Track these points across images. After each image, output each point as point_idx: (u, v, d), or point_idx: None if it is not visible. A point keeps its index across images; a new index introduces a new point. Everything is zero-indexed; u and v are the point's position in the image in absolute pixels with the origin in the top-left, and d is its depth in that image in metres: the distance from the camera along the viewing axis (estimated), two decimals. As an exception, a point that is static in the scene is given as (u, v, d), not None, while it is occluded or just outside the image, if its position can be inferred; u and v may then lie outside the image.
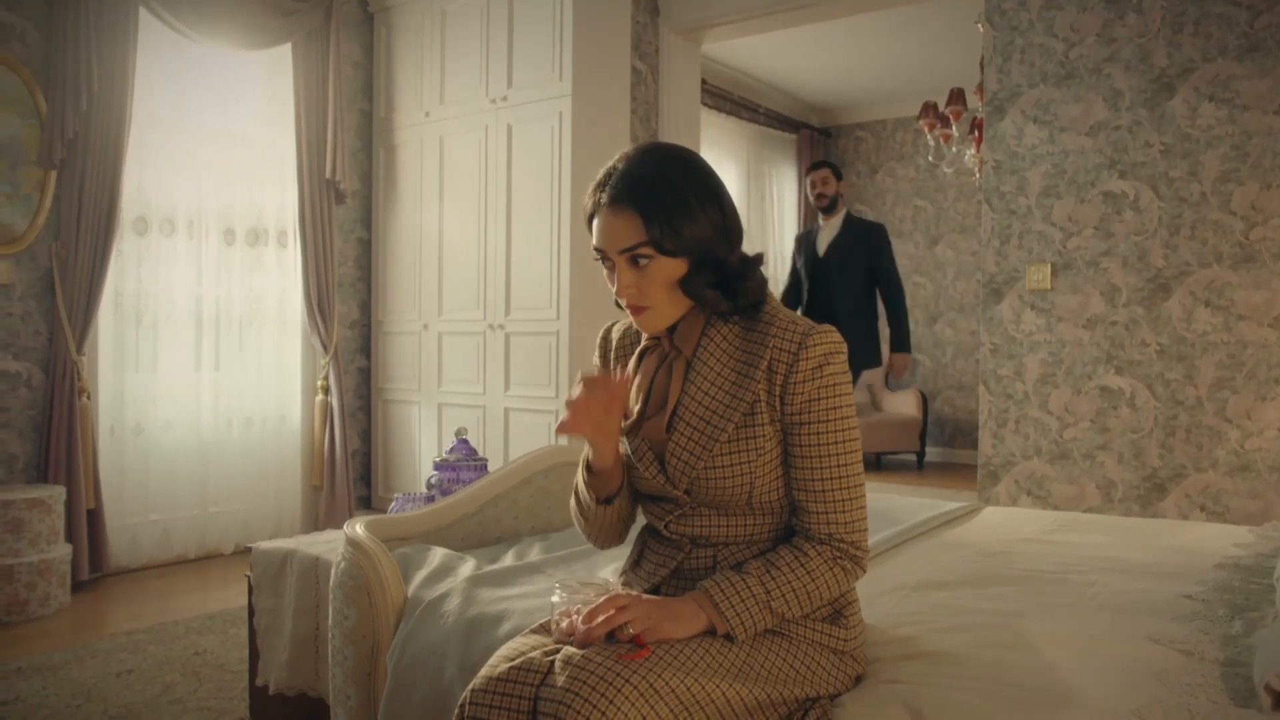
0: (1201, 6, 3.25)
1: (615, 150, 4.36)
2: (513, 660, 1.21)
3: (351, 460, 4.80)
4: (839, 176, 4.64)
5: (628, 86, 4.51)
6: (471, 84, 4.51)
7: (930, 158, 6.40)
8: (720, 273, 1.30)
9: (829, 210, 4.63)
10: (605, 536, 1.50)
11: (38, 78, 3.69)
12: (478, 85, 4.48)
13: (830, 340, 1.28)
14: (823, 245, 4.63)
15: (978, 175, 5.91)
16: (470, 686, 1.20)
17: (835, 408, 1.28)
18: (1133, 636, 1.52)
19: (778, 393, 1.29)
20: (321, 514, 4.65)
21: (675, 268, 1.28)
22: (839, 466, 1.28)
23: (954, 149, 5.88)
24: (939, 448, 7.73)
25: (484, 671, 1.21)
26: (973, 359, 7.85)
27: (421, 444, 4.74)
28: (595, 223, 1.31)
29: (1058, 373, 3.53)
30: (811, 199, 4.68)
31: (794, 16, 4.58)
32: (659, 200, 1.25)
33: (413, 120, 4.76)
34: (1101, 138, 3.43)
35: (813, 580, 1.26)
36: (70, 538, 3.67)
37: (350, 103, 4.85)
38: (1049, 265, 3.54)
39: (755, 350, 1.31)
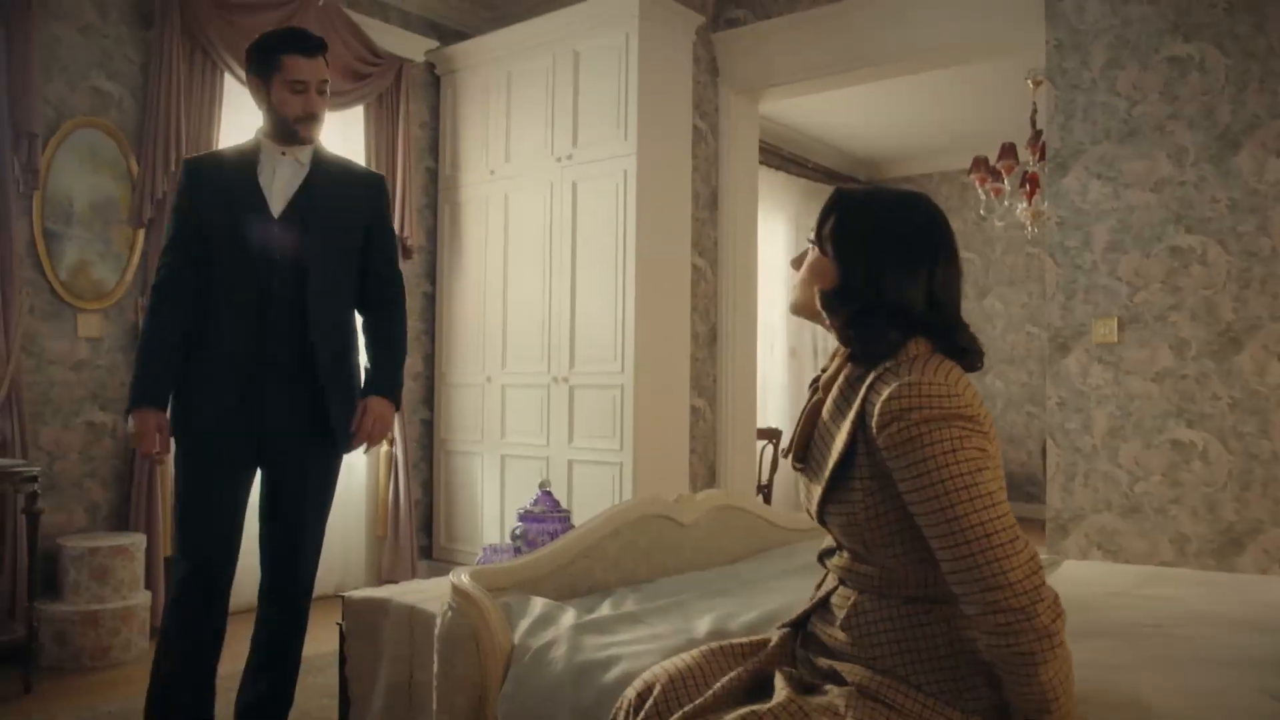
0: (1265, 65, 3.30)
1: (678, 206, 4.51)
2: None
3: (414, 510, 4.86)
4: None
5: (689, 144, 4.62)
6: (536, 143, 4.64)
7: (981, 211, 6.45)
8: (862, 307, 1.34)
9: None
10: None
11: (131, 141, 3.87)
12: (543, 144, 4.62)
13: (914, 391, 1.23)
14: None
15: (1029, 228, 5.95)
16: None
17: (928, 458, 1.21)
18: (1245, 690, 1.52)
19: (873, 445, 1.28)
20: (385, 563, 4.71)
21: (826, 269, 1.38)
22: (951, 520, 1.19)
23: (1005, 203, 5.92)
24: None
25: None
26: (1023, 411, 7.81)
27: (484, 495, 4.80)
28: None
29: (1126, 426, 3.53)
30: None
31: (847, 78, 4.68)
32: (853, 214, 1.38)
33: (478, 178, 4.90)
34: (1167, 193, 3.47)
35: (1003, 656, 1.19)
36: (149, 584, 3.75)
37: (417, 161, 5.00)
38: (1115, 319, 3.56)
39: (851, 395, 1.35)
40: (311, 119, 2.34)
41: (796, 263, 1.45)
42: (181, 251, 2.33)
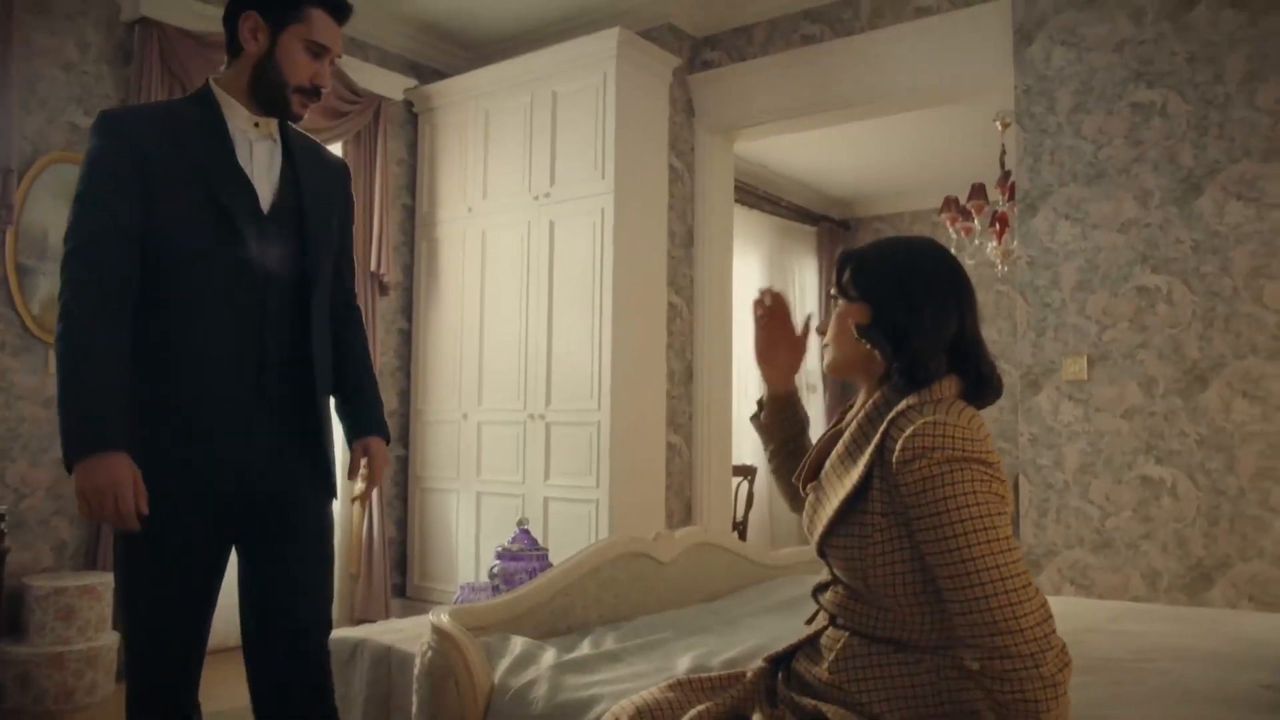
0: (1224, 112, 3.40)
1: (654, 244, 4.55)
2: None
3: (388, 548, 4.82)
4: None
5: (665, 183, 4.68)
6: (514, 181, 4.68)
7: (952, 250, 6.55)
8: (907, 330, 1.36)
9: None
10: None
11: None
12: (520, 182, 4.65)
13: (939, 431, 1.24)
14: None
15: (999, 267, 6.05)
16: None
17: (948, 498, 1.21)
18: (1220, 726, 1.55)
19: (891, 481, 1.28)
20: (358, 603, 4.66)
21: (857, 310, 1.41)
22: (966, 561, 1.19)
23: (975, 242, 6.03)
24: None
25: None
26: (997, 447, 7.86)
27: (459, 533, 4.76)
28: None
29: (1097, 462, 3.58)
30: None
31: (820, 119, 4.77)
32: (873, 260, 1.44)
33: (455, 215, 4.93)
34: (1133, 234, 3.55)
35: (1005, 704, 1.18)
36: (117, 625, 3.68)
37: (394, 198, 5.02)
38: (1085, 357, 3.62)
39: (871, 429, 1.35)
40: (317, 93, 1.87)
41: (822, 328, 1.49)
42: (120, 241, 1.71)
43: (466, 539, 4.72)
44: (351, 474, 2.02)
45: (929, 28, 4.26)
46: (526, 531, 2.81)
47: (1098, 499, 3.58)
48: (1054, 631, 1.19)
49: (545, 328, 4.50)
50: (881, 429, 1.32)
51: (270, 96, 1.83)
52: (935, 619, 1.30)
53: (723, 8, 4.80)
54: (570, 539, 4.15)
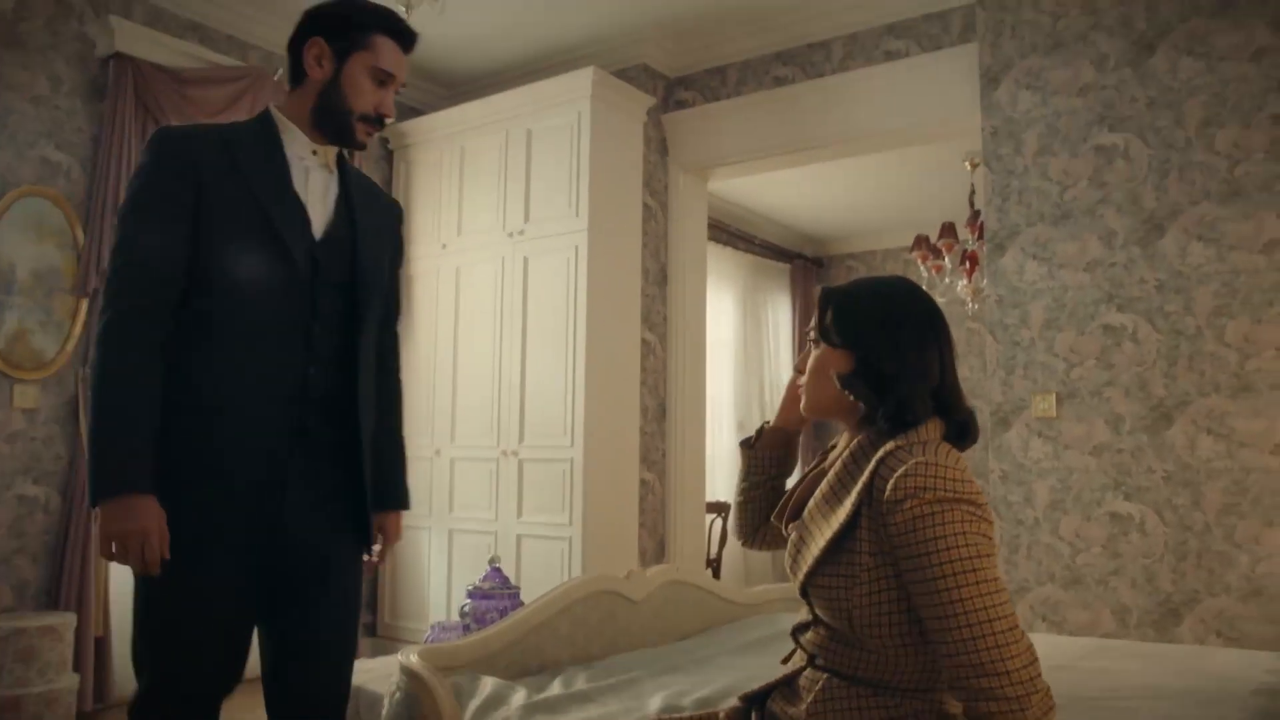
0: (1184, 155, 3.48)
1: (628, 282, 4.57)
2: None
3: (358, 586, 4.75)
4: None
5: (639, 221, 4.71)
6: (489, 217, 4.69)
7: (924, 288, 6.63)
8: (893, 376, 1.36)
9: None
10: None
11: (78, 210, 3.83)
12: (495, 219, 4.67)
13: (930, 472, 1.24)
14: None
15: (969, 304, 6.12)
16: None
17: (938, 538, 1.21)
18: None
19: (879, 521, 1.27)
20: (327, 642, 4.58)
21: (838, 358, 1.41)
22: (954, 602, 1.18)
23: (946, 280, 6.10)
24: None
25: None
26: (967, 483, 7.91)
27: (430, 570, 4.72)
28: None
29: (1067, 499, 3.61)
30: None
31: (793, 158, 4.84)
32: (853, 303, 1.44)
33: (429, 251, 4.93)
34: (1098, 274, 3.62)
35: None
36: (78, 667, 3.60)
37: (369, 234, 5.01)
38: (1054, 394, 3.67)
39: (857, 469, 1.35)
40: (381, 122, 1.80)
41: (799, 367, 1.48)
42: (165, 266, 1.62)
43: (438, 577, 4.67)
44: (378, 547, 1.92)
45: (898, 71, 4.35)
46: (498, 569, 2.78)
47: (1068, 535, 3.61)
48: (1040, 674, 1.19)
49: (519, 364, 4.50)
50: (870, 469, 1.32)
51: (334, 124, 1.77)
52: (918, 661, 1.29)
53: (696, 49, 4.87)
54: (543, 576, 4.12)
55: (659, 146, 4.97)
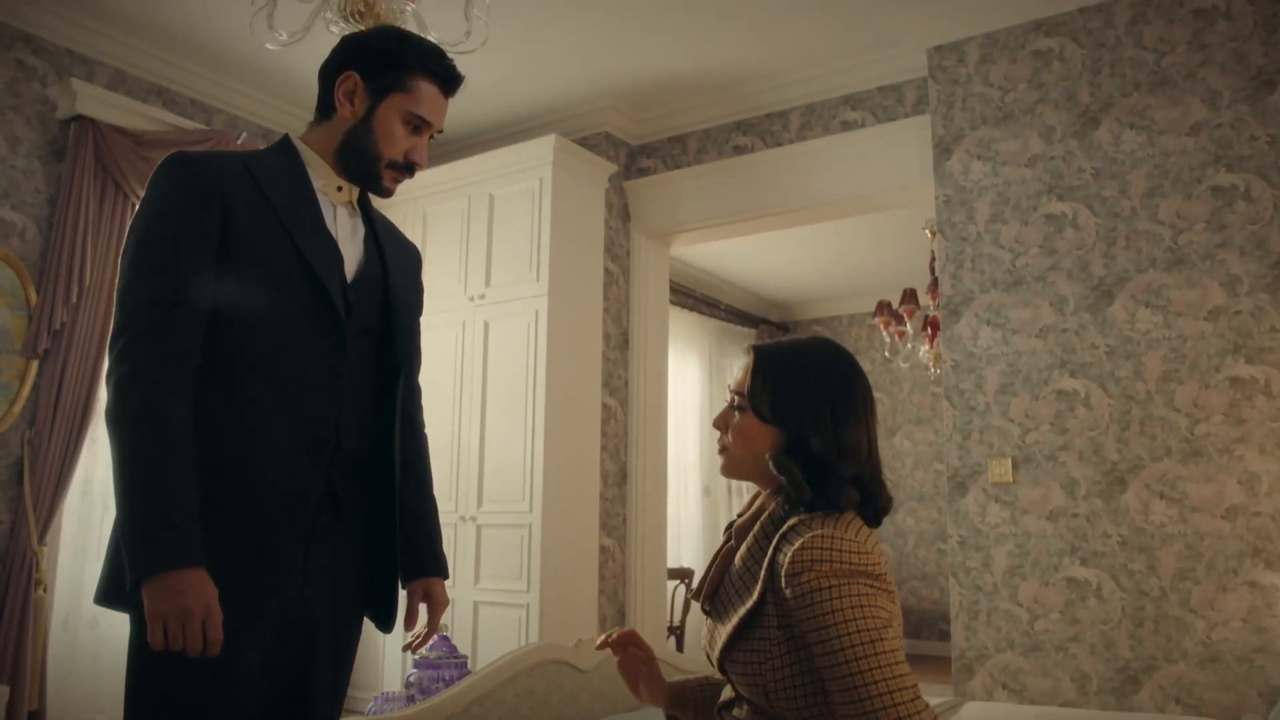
0: (1130, 224, 3.56)
1: (589, 346, 4.57)
2: None
3: (311, 656, 4.63)
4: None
5: (600, 286, 4.73)
6: (450, 281, 4.70)
7: (886, 354, 6.70)
8: (822, 458, 1.33)
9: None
10: None
11: (32, 271, 3.80)
12: (456, 283, 4.68)
13: (826, 544, 1.24)
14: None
15: (932, 369, 6.18)
16: None
17: (834, 611, 1.21)
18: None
19: (781, 595, 1.27)
20: (276, 715, 4.44)
21: (764, 432, 1.38)
22: (856, 674, 1.19)
23: (909, 345, 6.16)
24: (906, 640, 7.64)
25: None
26: (934, 548, 7.90)
27: (384, 637, 4.60)
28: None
29: (1025, 564, 3.60)
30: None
31: (754, 225, 4.91)
32: (781, 371, 1.39)
33: (391, 314, 4.91)
34: (1050, 339, 3.66)
35: None
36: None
37: (330, 297, 5.00)
38: (1010, 459, 3.68)
39: (765, 543, 1.35)
40: (411, 170, 1.63)
41: (720, 422, 1.43)
42: (189, 309, 1.43)
43: (393, 644, 4.56)
44: (409, 621, 1.68)
45: (855, 140, 4.44)
46: (446, 638, 2.72)
47: (1026, 601, 3.59)
48: None
49: (478, 428, 4.46)
50: (774, 543, 1.31)
51: (360, 168, 1.61)
52: None
53: (658, 118, 4.96)
54: (500, 644, 4.03)
55: (621, 212, 5.02)
